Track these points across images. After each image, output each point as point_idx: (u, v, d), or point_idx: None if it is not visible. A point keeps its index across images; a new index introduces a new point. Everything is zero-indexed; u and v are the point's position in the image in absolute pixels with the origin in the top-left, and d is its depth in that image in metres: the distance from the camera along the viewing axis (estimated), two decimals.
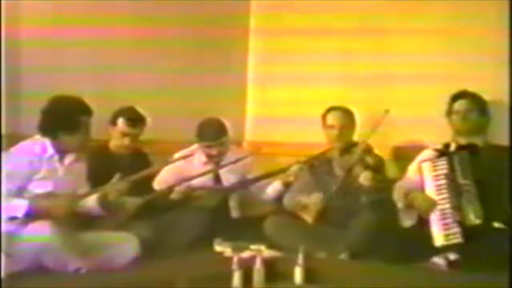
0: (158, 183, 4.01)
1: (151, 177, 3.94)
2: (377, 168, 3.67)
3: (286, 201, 3.98)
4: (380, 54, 4.28)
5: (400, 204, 3.69)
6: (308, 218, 3.85)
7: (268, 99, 4.73)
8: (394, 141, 4.17)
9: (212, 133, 3.97)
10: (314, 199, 3.81)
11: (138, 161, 3.94)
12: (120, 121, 3.89)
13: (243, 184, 4.06)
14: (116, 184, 3.49)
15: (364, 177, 3.66)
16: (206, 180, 4.04)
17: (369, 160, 3.69)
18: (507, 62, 3.78)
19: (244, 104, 4.85)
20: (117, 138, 3.90)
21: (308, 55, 4.49)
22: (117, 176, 3.50)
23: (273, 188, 4.00)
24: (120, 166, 3.70)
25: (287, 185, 3.94)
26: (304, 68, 4.53)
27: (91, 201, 3.48)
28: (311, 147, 4.13)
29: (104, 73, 4.08)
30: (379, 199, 3.72)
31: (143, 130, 3.94)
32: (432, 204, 3.55)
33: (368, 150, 3.78)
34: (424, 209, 3.57)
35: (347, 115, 3.95)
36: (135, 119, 3.87)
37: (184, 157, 3.90)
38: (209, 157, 4.05)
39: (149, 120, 3.95)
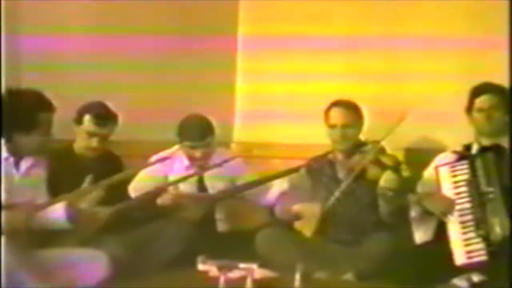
0: (133, 190, 3.82)
1: (124, 184, 3.74)
2: (397, 169, 3.46)
3: (280, 211, 3.80)
4: (390, 43, 4.14)
5: (414, 212, 3.49)
6: (306, 231, 3.63)
7: (260, 94, 4.59)
8: (406, 142, 3.99)
9: (196, 133, 3.80)
10: (313, 208, 3.60)
11: (109, 165, 3.74)
12: (87, 119, 3.69)
13: (232, 191, 3.92)
14: (89, 190, 3.30)
15: (386, 179, 3.44)
16: (188, 187, 3.87)
17: (386, 160, 3.48)
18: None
19: (232, 100, 4.71)
20: (83, 138, 3.71)
21: (307, 43, 4.35)
22: (88, 179, 3.31)
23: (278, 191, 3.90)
24: (87, 171, 3.46)
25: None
26: (302, 58, 4.41)
27: (56, 212, 3.25)
28: (310, 149, 3.99)
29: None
30: (401, 207, 3.51)
31: (114, 129, 3.75)
32: (451, 204, 3.39)
33: (382, 150, 3.57)
34: (442, 209, 3.40)
35: (352, 111, 3.71)
36: (104, 117, 3.68)
37: (163, 160, 3.69)
38: (192, 160, 3.86)
39: (120, 117, 3.77)
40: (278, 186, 3.91)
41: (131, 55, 4.12)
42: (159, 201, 3.72)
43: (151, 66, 4.25)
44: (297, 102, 4.37)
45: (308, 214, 3.61)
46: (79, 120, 3.72)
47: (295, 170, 3.83)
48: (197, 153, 3.82)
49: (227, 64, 4.65)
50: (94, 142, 3.69)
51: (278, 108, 4.43)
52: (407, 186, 3.48)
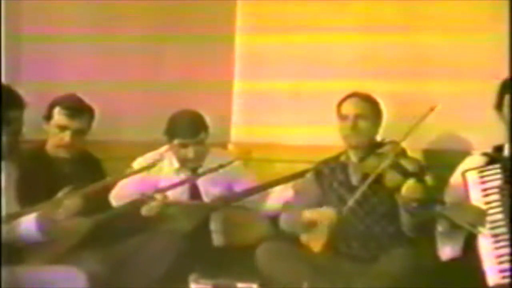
0: (116, 198, 3.66)
1: (105, 191, 3.59)
2: (421, 176, 3.25)
3: (285, 220, 3.60)
4: (410, 32, 4.00)
5: (441, 226, 3.30)
6: (314, 245, 3.44)
7: (261, 89, 4.42)
8: (425, 142, 3.84)
9: (188, 128, 3.68)
10: (328, 214, 3.41)
11: (86, 169, 3.58)
12: (57, 112, 3.52)
13: (229, 199, 3.76)
14: (65, 198, 3.19)
15: (409, 188, 3.22)
16: (179, 194, 3.72)
17: (408, 165, 3.28)
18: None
19: (229, 95, 4.56)
20: (54, 135, 3.54)
21: (314, 31, 4.19)
22: (66, 190, 3.18)
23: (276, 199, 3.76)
24: (61, 175, 3.46)
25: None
26: (308, 49, 4.23)
27: (26, 224, 3.16)
28: (317, 151, 3.86)
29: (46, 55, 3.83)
30: (427, 220, 3.29)
31: (89, 124, 3.59)
32: (481, 214, 3.20)
33: (402, 152, 3.39)
34: (471, 221, 3.20)
35: (368, 103, 3.54)
36: (76, 108, 3.51)
37: (150, 167, 3.49)
38: (184, 161, 3.73)
39: (101, 114, 3.62)
40: (278, 194, 3.77)
41: (112, 43, 4.00)
42: (144, 211, 3.57)
43: (136, 56, 4.12)
44: (302, 98, 4.24)
45: (323, 221, 3.40)
46: (49, 116, 3.56)
47: (301, 174, 3.69)
48: (190, 153, 3.69)
49: (224, 55, 4.51)
50: (66, 136, 3.51)
51: (281, 105, 4.32)
52: (433, 195, 3.27)
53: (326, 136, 3.80)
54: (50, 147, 3.57)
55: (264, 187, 3.75)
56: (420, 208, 3.23)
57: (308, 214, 3.46)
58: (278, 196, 3.77)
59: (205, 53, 4.31)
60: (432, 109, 3.32)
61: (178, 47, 4.21)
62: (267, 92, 4.37)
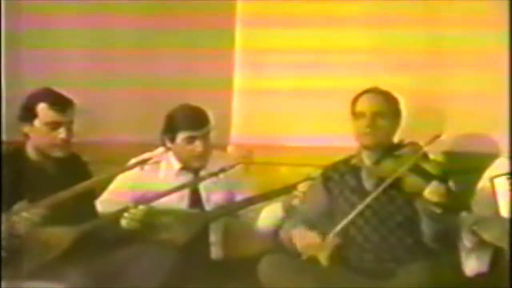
0: (104, 204, 3.56)
1: (91, 196, 3.49)
2: (445, 178, 3.11)
3: (286, 233, 3.43)
4: (429, 21, 3.85)
5: (467, 241, 3.14)
6: (322, 258, 3.24)
7: (263, 86, 4.29)
8: (447, 144, 3.65)
9: (194, 119, 3.59)
10: (311, 238, 3.27)
11: (72, 173, 3.45)
12: (42, 108, 3.38)
13: (230, 208, 3.65)
14: (25, 209, 3.15)
15: (432, 191, 3.07)
16: (177, 201, 3.60)
17: (430, 167, 3.13)
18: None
19: (229, 93, 4.42)
20: (43, 134, 3.40)
21: (320, 22, 4.04)
22: (23, 203, 3.17)
23: (268, 215, 3.58)
24: (45, 180, 3.35)
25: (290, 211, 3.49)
26: (314, 40, 4.08)
27: None
28: (324, 153, 3.76)
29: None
30: (451, 229, 3.15)
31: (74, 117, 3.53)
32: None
33: (424, 155, 3.23)
34: (500, 235, 3.08)
35: (386, 100, 3.39)
36: (63, 102, 3.42)
37: (145, 162, 3.45)
38: (189, 160, 3.61)
39: (90, 113, 3.66)
40: (273, 209, 3.61)
41: (104, 36, 3.98)
42: (123, 223, 3.41)
43: (129, 51, 4.05)
44: (309, 94, 4.10)
45: (304, 245, 3.26)
46: (30, 115, 3.41)
47: (292, 187, 3.52)
48: (198, 147, 3.57)
49: (223, 49, 4.35)
50: (62, 132, 3.39)
51: (285, 104, 4.18)
52: (459, 201, 3.16)
53: (336, 136, 3.75)
54: (32, 150, 3.45)
55: (267, 196, 3.61)
56: (444, 214, 3.07)
57: (294, 234, 3.32)
58: (270, 211, 3.63)
59: (202, 47, 4.19)
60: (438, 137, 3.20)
61: (174, 41, 4.13)
62: (270, 89, 4.25)
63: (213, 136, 3.72)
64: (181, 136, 3.58)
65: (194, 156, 3.60)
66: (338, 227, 3.16)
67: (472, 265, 3.13)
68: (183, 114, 3.61)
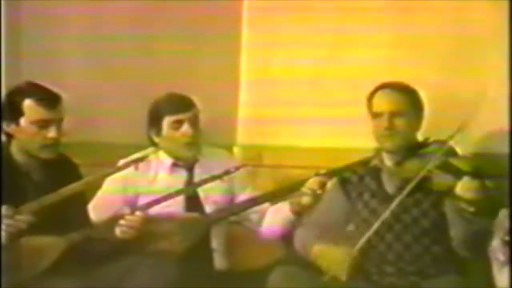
0: (96, 210, 3.48)
1: (82, 201, 3.39)
2: (479, 174, 2.98)
3: (300, 241, 3.33)
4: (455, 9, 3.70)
5: (501, 253, 2.99)
6: (339, 270, 3.10)
7: (271, 80, 4.15)
8: (476, 145, 3.55)
9: (179, 102, 3.61)
10: (338, 254, 3.14)
11: (62, 176, 3.35)
12: (29, 105, 3.29)
13: (232, 210, 3.57)
14: (9, 216, 3.07)
15: (464, 187, 2.94)
16: (174, 204, 3.51)
17: (460, 164, 3.02)
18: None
19: (236, 90, 4.25)
20: (31, 134, 3.31)
21: (334, 10, 3.92)
22: (7, 209, 3.07)
23: (275, 216, 3.47)
24: (32, 184, 3.27)
25: (300, 213, 3.34)
26: (327, 29, 3.96)
27: None
28: (339, 154, 3.66)
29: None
30: (486, 231, 2.99)
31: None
32: None
33: (452, 152, 3.11)
34: None
35: (405, 96, 3.27)
36: (51, 97, 3.34)
37: (136, 162, 3.38)
38: (179, 150, 3.58)
39: (75, 108, 3.47)
40: (280, 209, 3.50)
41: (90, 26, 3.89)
42: (118, 232, 3.31)
43: (121, 42, 3.96)
44: (321, 91, 3.99)
45: (329, 262, 3.15)
46: (15, 113, 3.30)
47: (300, 184, 3.39)
48: (188, 130, 3.55)
49: (229, 42, 4.21)
50: (53, 131, 3.30)
51: (296, 100, 4.05)
52: (495, 199, 3.00)
53: (353, 136, 3.65)
54: (19, 149, 3.34)
55: (274, 196, 3.52)
56: (478, 214, 2.92)
57: (316, 250, 3.19)
58: (276, 212, 3.50)
59: (203, 34, 4.07)
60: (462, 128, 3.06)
61: (172, 29, 4.02)
62: (281, 83, 4.11)
63: (216, 135, 3.70)
64: (167, 122, 3.53)
65: (184, 143, 3.54)
66: (362, 240, 3.03)
67: (505, 281, 2.94)
68: (166, 100, 3.58)
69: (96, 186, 3.49)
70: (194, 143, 3.57)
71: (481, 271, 3.04)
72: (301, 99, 4.04)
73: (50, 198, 3.14)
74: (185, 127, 3.54)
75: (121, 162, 3.48)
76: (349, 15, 3.91)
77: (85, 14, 3.87)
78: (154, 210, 3.40)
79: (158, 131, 3.54)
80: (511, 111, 3.38)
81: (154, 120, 3.57)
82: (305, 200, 3.31)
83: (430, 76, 3.69)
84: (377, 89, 3.28)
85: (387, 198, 3.12)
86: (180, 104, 3.58)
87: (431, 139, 3.17)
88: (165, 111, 3.56)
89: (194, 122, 3.58)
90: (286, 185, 3.52)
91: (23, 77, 3.50)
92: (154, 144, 3.60)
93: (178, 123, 3.54)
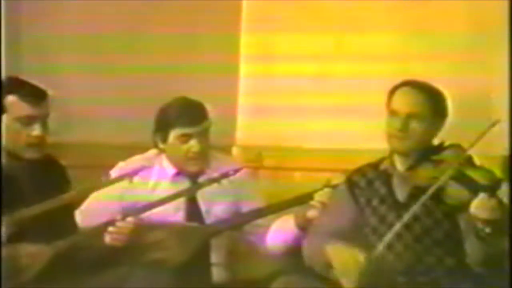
0: (85, 215, 3.39)
1: (69, 207, 3.28)
2: (494, 189, 2.85)
3: (308, 250, 3.21)
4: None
5: None
6: (347, 281, 2.98)
7: (273, 77, 4.08)
8: (501, 146, 3.42)
9: (190, 114, 3.44)
10: (353, 256, 3.02)
11: (47, 179, 3.28)
12: (13, 101, 3.24)
13: (234, 222, 3.46)
14: None
15: (480, 206, 2.81)
16: (172, 212, 3.42)
17: (477, 175, 2.89)
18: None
19: (235, 87, 4.20)
20: (13, 132, 3.25)
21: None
22: None
23: (278, 232, 3.42)
24: (15, 187, 3.19)
25: (305, 228, 3.27)
26: (334, 20, 3.90)
27: None
28: (346, 155, 3.62)
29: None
30: (501, 252, 2.87)
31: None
32: None
33: (469, 160, 3.01)
34: None
35: (426, 96, 3.13)
36: (36, 93, 3.28)
37: (134, 174, 3.25)
38: (184, 162, 3.44)
39: (65, 106, 3.52)
40: (284, 224, 3.42)
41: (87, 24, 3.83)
42: (108, 238, 3.21)
43: (117, 39, 3.92)
44: (327, 88, 3.90)
45: (343, 265, 3.06)
46: None
47: (309, 196, 3.33)
48: (194, 146, 3.40)
49: (228, 42, 4.19)
50: (37, 129, 3.23)
51: (299, 98, 3.97)
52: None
53: (361, 136, 3.59)
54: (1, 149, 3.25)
55: (280, 207, 3.39)
56: (496, 235, 2.76)
57: (329, 251, 3.07)
58: (281, 226, 3.41)
59: (201, 27, 4.01)
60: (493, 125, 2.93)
61: (169, 28, 3.95)
62: (283, 79, 4.01)
63: (214, 135, 3.56)
64: (174, 134, 3.40)
65: (190, 158, 3.43)
66: (376, 253, 2.92)
67: None
68: (176, 108, 3.43)
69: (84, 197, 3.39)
70: (200, 158, 3.46)
71: (499, 281, 2.89)
72: (304, 99, 3.98)
73: (32, 210, 3.05)
74: (192, 143, 3.42)
75: (115, 171, 3.41)
76: (354, 16, 3.82)
77: (83, 13, 3.83)
78: (150, 217, 3.29)
79: (164, 139, 3.44)
80: (511, 111, 3.33)
81: (161, 127, 3.46)
82: (312, 213, 3.25)
83: (442, 72, 3.56)
84: (400, 85, 3.16)
85: (398, 206, 3.04)
86: (189, 116, 3.44)
87: (447, 143, 3.06)
88: (173, 121, 3.44)
89: (204, 137, 3.47)
90: (293, 197, 3.42)
91: (22, 76, 3.44)
92: (158, 148, 3.49)
93: (186, 137, 3.42)
